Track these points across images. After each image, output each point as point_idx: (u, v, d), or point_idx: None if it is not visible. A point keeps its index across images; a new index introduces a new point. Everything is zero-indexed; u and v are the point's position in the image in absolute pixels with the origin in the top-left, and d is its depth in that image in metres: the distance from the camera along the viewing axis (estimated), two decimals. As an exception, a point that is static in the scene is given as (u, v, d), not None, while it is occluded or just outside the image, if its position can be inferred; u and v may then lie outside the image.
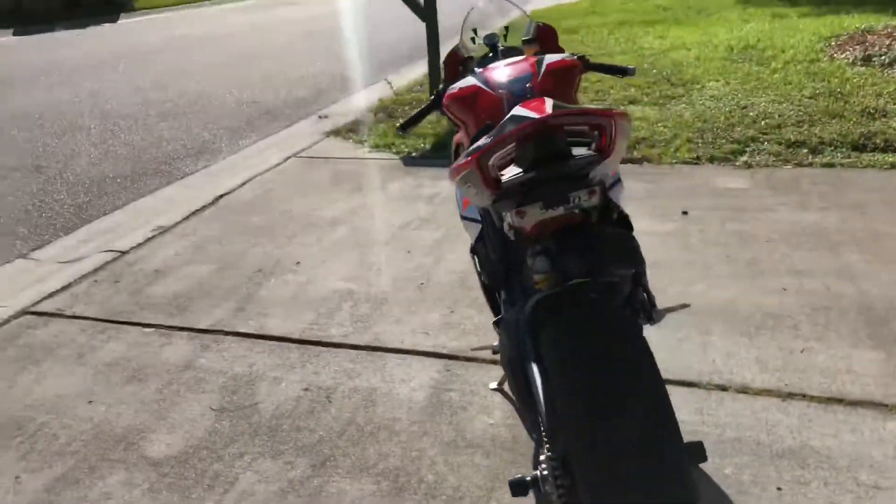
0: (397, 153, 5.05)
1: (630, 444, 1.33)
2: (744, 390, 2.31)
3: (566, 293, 1.66)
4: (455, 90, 2.12)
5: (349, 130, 5.71)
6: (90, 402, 2.44)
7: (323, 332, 2.78)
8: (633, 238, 1.87)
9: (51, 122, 6.99)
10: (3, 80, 9.35)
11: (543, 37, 2.45)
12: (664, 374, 2.34)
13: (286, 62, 9.61)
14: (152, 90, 8.26)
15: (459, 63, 2.38)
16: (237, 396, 2.42)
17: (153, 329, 2.89)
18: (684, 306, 2.28)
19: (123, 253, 3.70)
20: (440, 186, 4.31)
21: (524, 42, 2.42)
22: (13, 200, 4.84)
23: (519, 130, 1.44)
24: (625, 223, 2.27)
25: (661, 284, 2.98)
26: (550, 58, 2.14)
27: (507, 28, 2.45)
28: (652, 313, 2.00)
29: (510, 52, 2.44)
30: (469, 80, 2.10)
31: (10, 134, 6.61)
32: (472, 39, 2.42)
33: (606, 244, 1.80)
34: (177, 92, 8.11)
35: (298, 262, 3.41)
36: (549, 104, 1.46)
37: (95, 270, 3.50)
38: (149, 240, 3.85)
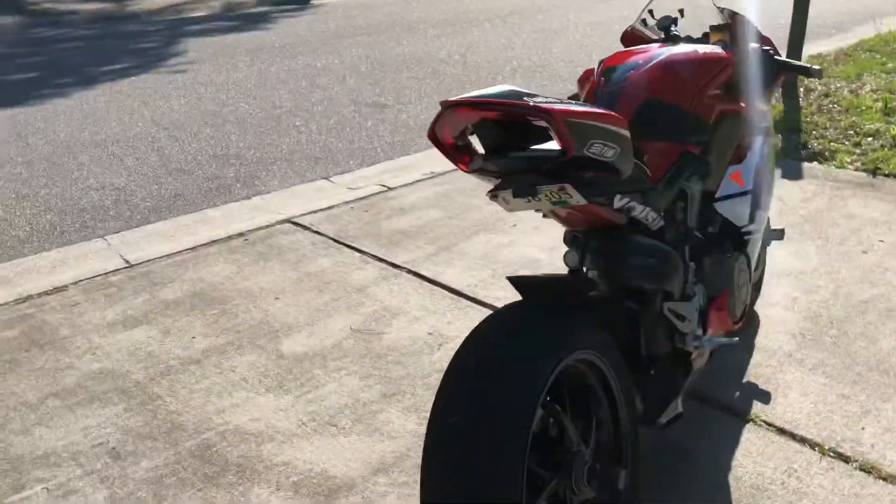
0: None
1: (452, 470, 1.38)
2: (868, 469, 2.04)
3: (545, 281, 1.75)
4: (588, 70, 2.22)
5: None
6: (277, 298, 3.10)
7: (484, 292, 3.07)
8: (668, 255, 1.84)
9: (415, 68, 8.12)
10: (391, 27, 10.96)
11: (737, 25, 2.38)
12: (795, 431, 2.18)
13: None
14: (520, 47, 9.00)
15: (638, 44, 2.43)
16: (376, 323, 2.86)
17: (360, 255, 3.48)
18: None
19: (390, 189, 4.37)
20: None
21: (711, 29, 2.37)
22: (349, 131, 5.90)
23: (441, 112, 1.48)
24: (734, 239, 2.15)
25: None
26: (682, 48, 2.11)
27: (681, 12, 2.39)
28: (685, 337, 1.92)
29: (701, 39, 2.42)
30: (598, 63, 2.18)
31: (380, 74, 7.87)
32: (644, 21, 2.44)
33: (627, 252, 1.81)
34: (535, 52, 8.72)
35: (514, 225, 3.71)
36: (485, 91, 1.50)
37: (359, 199, 4.23)
38: (416, 182, 4.46)
